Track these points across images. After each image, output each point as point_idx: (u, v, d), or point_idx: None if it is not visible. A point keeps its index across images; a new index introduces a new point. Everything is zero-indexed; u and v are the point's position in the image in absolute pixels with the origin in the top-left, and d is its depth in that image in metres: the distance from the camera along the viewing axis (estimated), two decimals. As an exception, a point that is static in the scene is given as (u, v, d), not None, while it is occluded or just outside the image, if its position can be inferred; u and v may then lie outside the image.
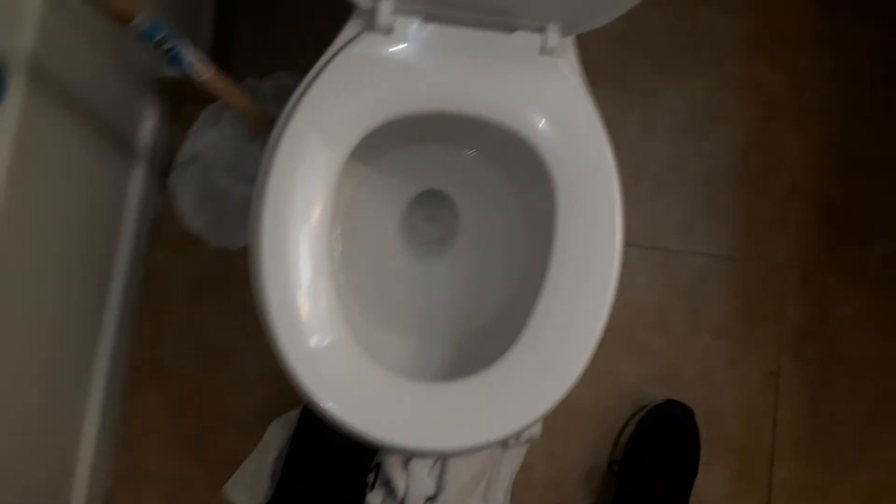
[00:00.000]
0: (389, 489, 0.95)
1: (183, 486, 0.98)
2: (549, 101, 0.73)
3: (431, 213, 0.91)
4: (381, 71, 0.72)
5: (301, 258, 0.67)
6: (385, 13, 0.71)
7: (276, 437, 0.97)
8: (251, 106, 0.79)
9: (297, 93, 0.71)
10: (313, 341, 0.66)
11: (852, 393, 1.07)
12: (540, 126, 0.73)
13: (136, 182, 0.95)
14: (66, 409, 0.88)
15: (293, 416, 0.98)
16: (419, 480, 0.94)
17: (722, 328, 1.07)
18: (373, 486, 0.94)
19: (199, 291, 1.00)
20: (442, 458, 0.95)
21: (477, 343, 0.81)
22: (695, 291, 1.08)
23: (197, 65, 0.70)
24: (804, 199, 1.11)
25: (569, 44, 0.75)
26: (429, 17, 0.73)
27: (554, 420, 1.01)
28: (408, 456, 0.93)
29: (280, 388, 1.00)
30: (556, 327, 0.69)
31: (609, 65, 1.11)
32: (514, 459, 1.00)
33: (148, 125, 0.97)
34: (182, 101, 1.01)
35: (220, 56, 0.98)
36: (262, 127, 0.79)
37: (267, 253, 0.67)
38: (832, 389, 1.07)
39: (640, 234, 1.08)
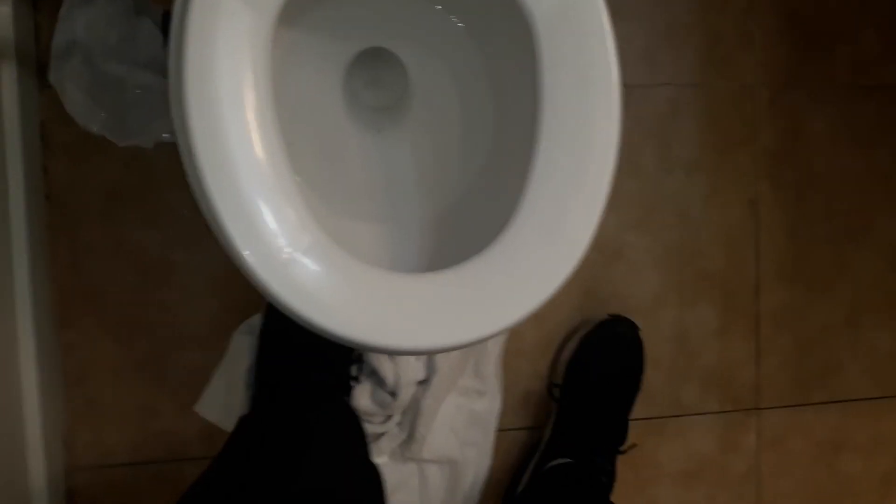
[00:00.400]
0: (377, 379, 0.88)
1: (149, 412, 0.89)
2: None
3: (374, 76, 0.78)
4: None
5: (248, 154, 0.55)
6: None
7: (242, 346, 0.88)
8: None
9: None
10: (286, 250, 0.55)
11: (828, 210, 1.04)
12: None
13: (8, 87, 0.78)
14: (-7, 359, 0.76)
15: (256, 321, 0.88)
16: (408, 366, 0.87)
17: (695, 162, 1.01)
18: (358, 379, 0.87)
19: (116, 202, 0.86)
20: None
21: (455, 221, 0.72)
22: (663, 127, 1.01)
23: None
24: (765, 10, 1.03)
25: None
26: None
27: (535, 284, 0.95)
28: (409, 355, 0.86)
29: (235, 295, 0.89)
30: (558, 187, 0.60)
31: None
32: (499, 330, 0.95)
33: (3, 12, 0.78)
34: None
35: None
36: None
37: (204, 158, 0.54)
38: (810, 210, 1.04)
39: (602, 70, 0.98)
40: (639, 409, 0.95)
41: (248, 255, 0.54)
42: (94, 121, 0.83)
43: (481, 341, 0.64)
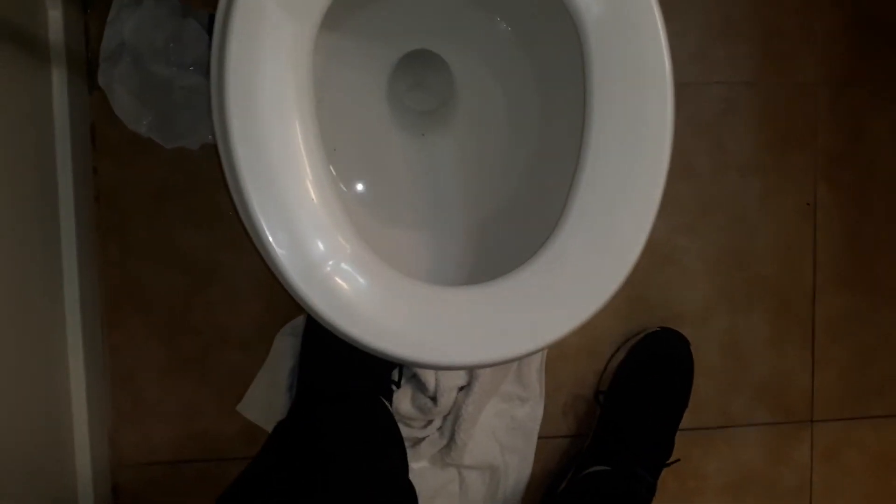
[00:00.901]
0: (418, 383, 0.87)
1: (193, 411, 0.90)
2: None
3: (418, 79, 0.77)
4: None
5: (289, 162, 0.54)
6: None
7: (285, 347, 0.88)
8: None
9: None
10: (326, 262, 0.54)
11: (891, 214, 0.99)
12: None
13: (59, 89, 0.79)
14: (45, 356, 0.77)
15: (299, 322, 0.88)
16: (449, 372, 0.86)
17: (751, 163, 0.97)
18: (399, 384, 0.86)
19: (164, 203, 0.87)
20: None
21: (499, 230, 0.70)
22: (718, 126, 0.97)
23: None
24: (825, 4, 0.98)
25: None
26: None
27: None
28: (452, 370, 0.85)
29: (279, 297, 0.89)
30: (608, 193, 0.58)
31: None
32: (542, 335, 0.93)
33: (55, 16, 0.79)
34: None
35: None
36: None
37: (245, 168, 0.53)
38: (871, 213, 0.99)
39: (654, 68, 0.95)
40: (686, 419, 0.92)
41: (287, 265, 0.54)
42: (142, 123, 0.84)
43: (524, 357, 0.63)
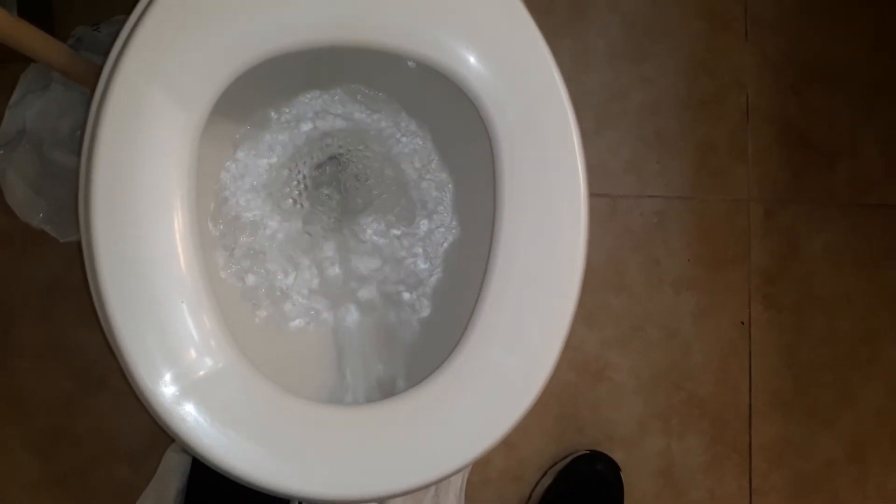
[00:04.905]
0: (320, 510, 0.79)
1: (66, 535, 0.80)
2: (478, 21, 0.55)
3: (331, 177, 0.73)
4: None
5: (157, 263, 0.49)
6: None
7: (174, 465, 0.79)
8: (75, 61, 0.59)
9: (124, 31, 0.51)
10: (192, 374, 0.48)
11: (830, 335, 0.96)
12: (469, 55, 0.55)
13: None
14: None
15: (194, 437, 0.80)
16: (354, 498, 0.78)
17: (685, 279, 0.94)
18: (299, 510, 0.78)
19: (53, 301, 0.80)
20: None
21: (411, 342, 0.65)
22: (651, 240, 0.95)
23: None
24: (761, 121, 0.98)
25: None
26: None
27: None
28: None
29: (174, 406, 0.82)
30: (518, 302, 0.54)
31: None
32: (464, 456, 0.86)
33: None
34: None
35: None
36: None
37: (104, 260, 0.48)
38: (808, 334, 0.96)
39: (586, 178, 0.93)
40: (617, 553, 0.85)
41: (144, 376, 0.47)
42: (36, 214, 0.78)
43: (426, 487, 0.57)
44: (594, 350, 0.92)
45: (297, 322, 0.66)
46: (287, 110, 0.67)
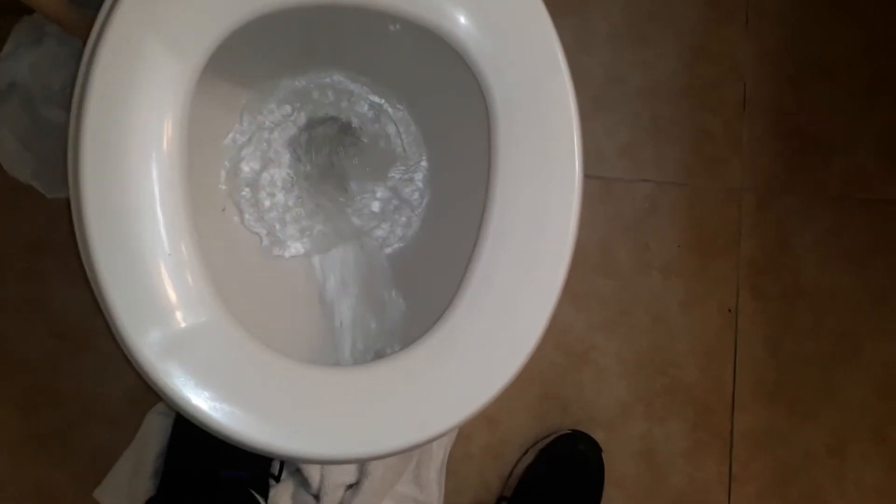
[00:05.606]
0: (301, 479, 0.79)
1: (44, 494, 0.80)
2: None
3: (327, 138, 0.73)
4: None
5: (144, 214, 0.48)
6: None
7: (155, 428, 0.79)
8: (69, 10, 0.58)
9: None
10: (172, 327, 0.48)
11: (816, 329, 0.97)
12: (466, 22, 0.55)
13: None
14: None
15: (176, 401, 0.79)
16: (337, 467, 0.78)
17: (674, 265, 0.94)
18: (279, 478, 0.78)
19: (40, 257, 0.80)
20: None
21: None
22: (642, 225, 0.95)
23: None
24: (758, 112, 0.98)
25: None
26: None
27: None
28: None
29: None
30: (507, 275, 0.54)
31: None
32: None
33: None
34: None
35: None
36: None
37: (92, 212, 0.47)
38: (794, 326, 0.96)
39: (580, 160, 0.93)
40: (595, 533, 0.85)
41: (127, 325, 0.47)
42: (24, 169, 0.78)
43: (408, 450, 0.57)
44: (581, 332, 0.92)
45: (292, 250, 0.67)
46: (291, 82, 0.67)
